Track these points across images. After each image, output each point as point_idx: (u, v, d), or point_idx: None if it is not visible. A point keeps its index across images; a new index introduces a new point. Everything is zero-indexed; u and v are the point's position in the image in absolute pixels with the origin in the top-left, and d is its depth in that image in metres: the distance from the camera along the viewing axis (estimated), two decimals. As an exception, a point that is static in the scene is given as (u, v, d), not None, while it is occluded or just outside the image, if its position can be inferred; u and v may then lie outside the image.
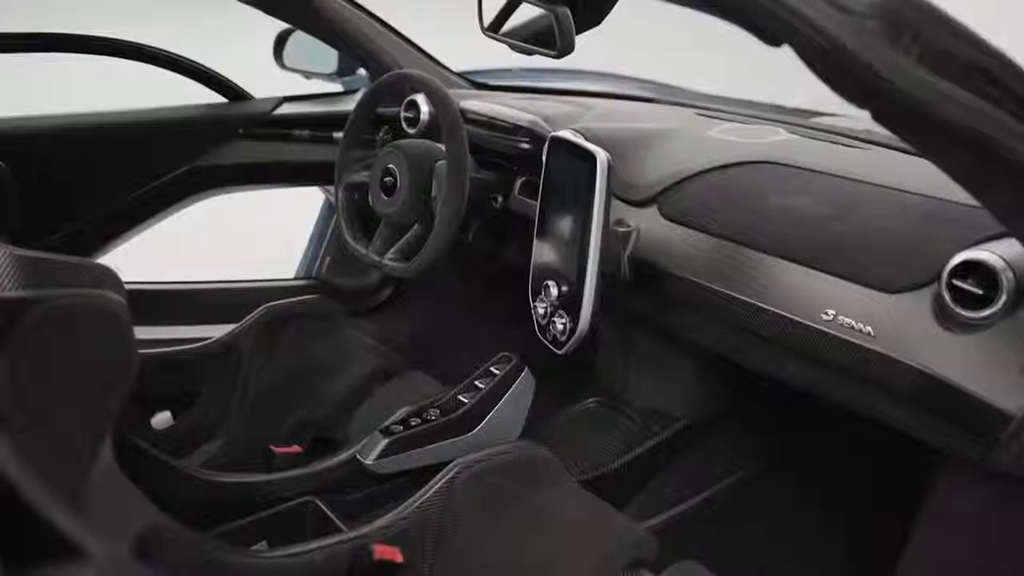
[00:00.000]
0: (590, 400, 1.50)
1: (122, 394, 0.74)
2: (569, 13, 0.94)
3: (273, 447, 1.31)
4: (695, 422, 1.40)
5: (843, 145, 1.26)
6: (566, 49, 0.96)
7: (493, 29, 1.14)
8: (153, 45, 1.55)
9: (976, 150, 0.57)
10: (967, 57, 0.54)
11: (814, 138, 1.31)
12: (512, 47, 1.06)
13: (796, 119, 1.45)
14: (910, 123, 0.57)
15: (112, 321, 0.72)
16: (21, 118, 1.45)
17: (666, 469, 1.38)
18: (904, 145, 1.24)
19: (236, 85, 1.64)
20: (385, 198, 1.36)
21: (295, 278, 2.00)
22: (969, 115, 0.54)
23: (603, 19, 1.02)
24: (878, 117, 0.57)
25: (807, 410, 1.28)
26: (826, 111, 1.53)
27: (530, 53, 1.02)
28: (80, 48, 1.48)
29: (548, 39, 1.03)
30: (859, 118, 1.41)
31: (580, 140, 1.16)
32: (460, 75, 1.77)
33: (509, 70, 2.02)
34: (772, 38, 0.53)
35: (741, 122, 1.40)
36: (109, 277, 0.76)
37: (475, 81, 1.77)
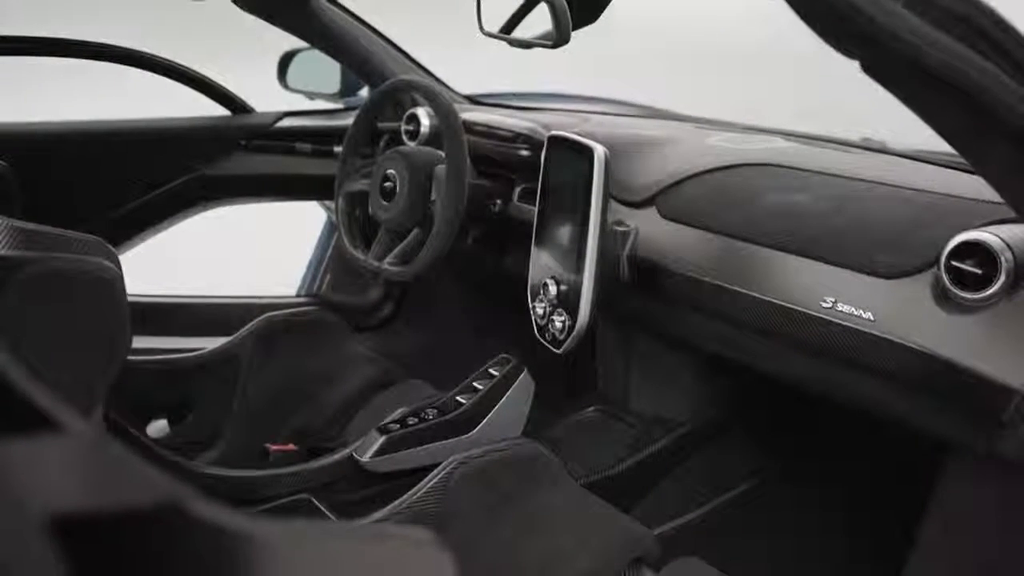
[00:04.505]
0: (590, 408, 1.48)
1: (116, 360, 0.73)
2: (566, 4, 0.95)
3: (268, 445, 1.29)
4: (697, 428, 1.38)
5: (838, 151, 1.27)
6: (562, 39, 0.97)
7: (505, 31, 1.16)
8: (158, 54, 1.57)
9: (969, 107, 0.57)
10: (954, 7, 0.54)
11: (811, 145, 1.32)
12: (510, 43, 1.07)
13: (792, 132, 1.46)
14: (900, 73, 0.57)
15: (107, 287, 0.72)
16: (25, 123, 1.46)
17: (668, 476, 1.35)
18: (900, 150, 1.26)
19: (238, 97, 1.66)
20: (385, 203, 1.36)
21: (295, 296, 2.00)
22: (961, 64, 0.54)
23: (598, 16, 1.04)
24: (868, 68, 0.57)
25: (808, 413, 1.26)
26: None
27: (528, 47, 1.04)
28: (82, 53, 1.50)
29: (543, 36, 1.05)
30: (849, 135, 1.43)
31: (578, 136, 1.17)
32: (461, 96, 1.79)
33: (511, 94, 2.04)
34: None
35: (739, 132, 1.41)
36: (104, 249, 0.75)
37: (476, 100, 1.79)
